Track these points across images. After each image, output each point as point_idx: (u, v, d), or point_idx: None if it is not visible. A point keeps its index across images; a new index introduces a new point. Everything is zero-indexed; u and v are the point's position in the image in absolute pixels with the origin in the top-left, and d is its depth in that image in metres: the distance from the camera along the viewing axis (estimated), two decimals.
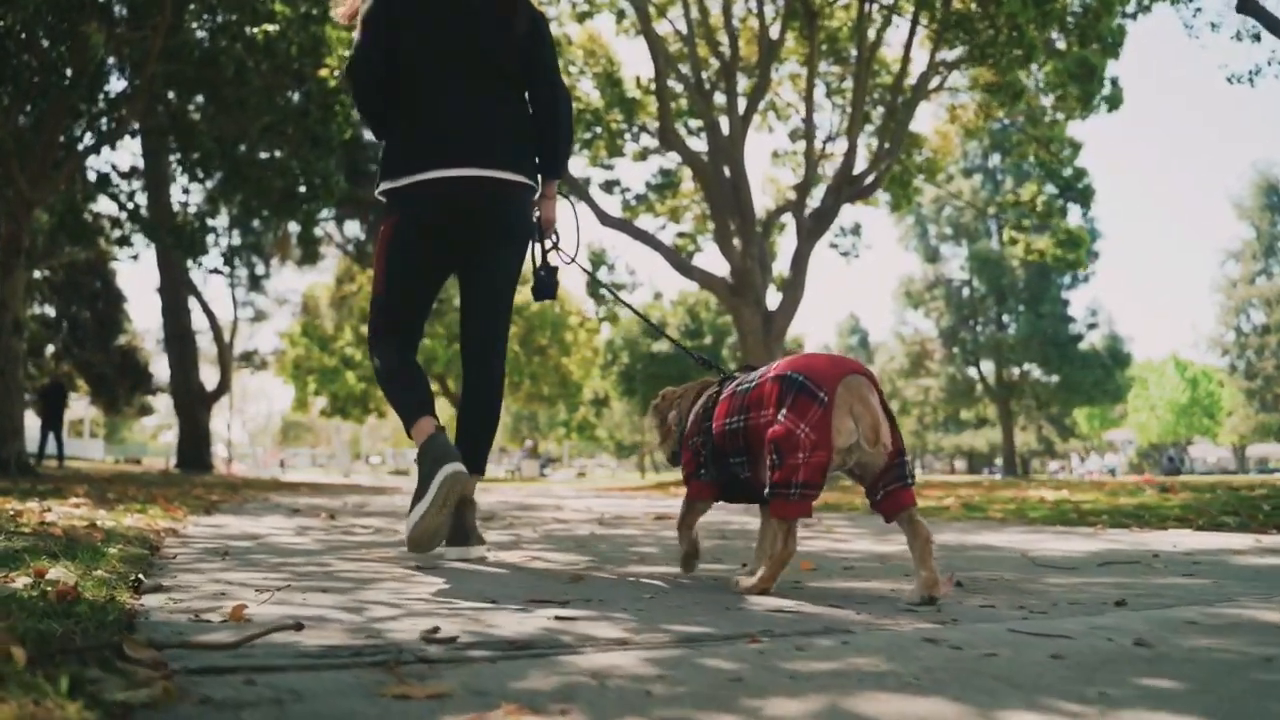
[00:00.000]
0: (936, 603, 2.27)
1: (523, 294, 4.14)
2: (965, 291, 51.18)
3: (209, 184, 18.40)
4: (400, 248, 3.44)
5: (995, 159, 49.81)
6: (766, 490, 2.38)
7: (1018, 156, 23.54)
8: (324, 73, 14.32)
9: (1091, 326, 48.69)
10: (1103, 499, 8.97)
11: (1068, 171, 19.99)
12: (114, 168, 17.35)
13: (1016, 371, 49.22)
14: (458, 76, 3.41)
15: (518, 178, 3.42)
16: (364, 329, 39.03)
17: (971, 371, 51.45)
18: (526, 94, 3.56)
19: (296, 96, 15.80)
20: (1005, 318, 49.92)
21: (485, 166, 3.34)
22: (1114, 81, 17.58)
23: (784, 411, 2.34)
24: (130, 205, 17.15)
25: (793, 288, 20.32)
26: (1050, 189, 20.47)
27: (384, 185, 3.42)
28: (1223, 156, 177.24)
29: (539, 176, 3.58)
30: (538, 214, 3.60)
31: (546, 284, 3.61)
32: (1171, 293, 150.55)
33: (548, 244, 3.61)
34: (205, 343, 31.43)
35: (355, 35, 3.49)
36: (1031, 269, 47.56)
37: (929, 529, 2.36)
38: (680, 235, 26.03)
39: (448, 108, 3.38)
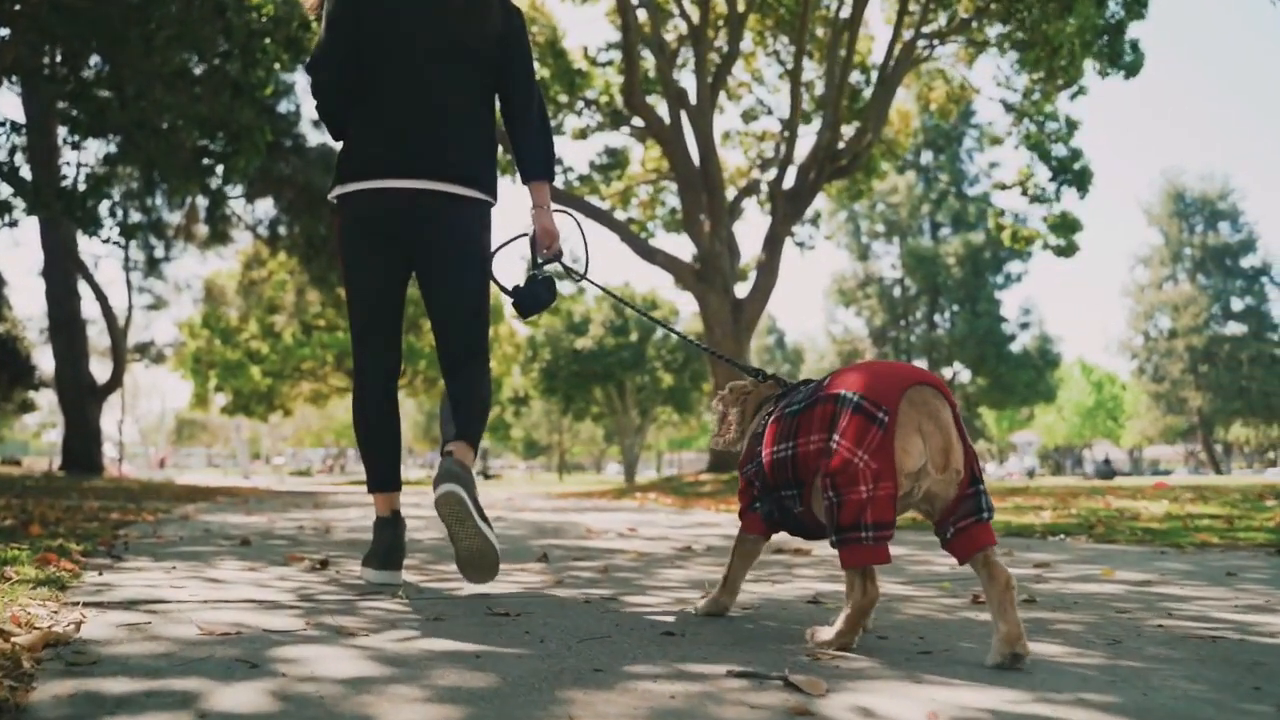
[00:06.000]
0: (1022, 661, 1.88)
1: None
2: (897, 290, 50.31)
3: (105, 144, 15.84)
4: (348, 252, 3.26)
5: (928, 156, 49.09)
6: (832, 535, 2.04)
7: (990, 139, 22.10)
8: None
9: (1024, 326, 48.18)
10: (1226, 509, 7.48)
11: (1062, 151, 18.62)
12: None
13: (949, 372, 48.50)
14: (423, 77, 3.19)
15: (469, 192, 3.19)
16: (271, 319, 36.77)
17: None
18: (498, 96, 3.37)
19: (214, 37, 13.40)
20: (937, 317, 49.15)
21: (435, 179, 3.13)
22: (1134, 45, 16.19)
23: (837, 438, 2.03)
24: (6, 165, 14.45)
25: (766, 273, 18.56)
26: (1042, 170, 19.06)
27: (334, 190, 3.25)
28: (1137, 161, 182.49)
29: (525, 182, 3.34)
30: (533, 228, 3.32)
31: (535, 297, 3.28)
32: (1082, 296, 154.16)
33: (541, 257, 3.30)
34: (95, 332, 28.47)
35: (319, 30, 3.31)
36: (966, 267, 46.88)
37: (1009, 573, 1.97)
38: (632, 222, 24.06)
39: (407, 112, 3.18)
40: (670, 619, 2.51)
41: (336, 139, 3.35)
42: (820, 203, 23.34)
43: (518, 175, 3.41)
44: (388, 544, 3.19)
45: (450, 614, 2.53)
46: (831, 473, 2.01)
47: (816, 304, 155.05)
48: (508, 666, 1.82)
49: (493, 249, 3.33)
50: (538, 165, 3.33)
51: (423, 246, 3.20)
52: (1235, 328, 59.39)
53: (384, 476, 3.28)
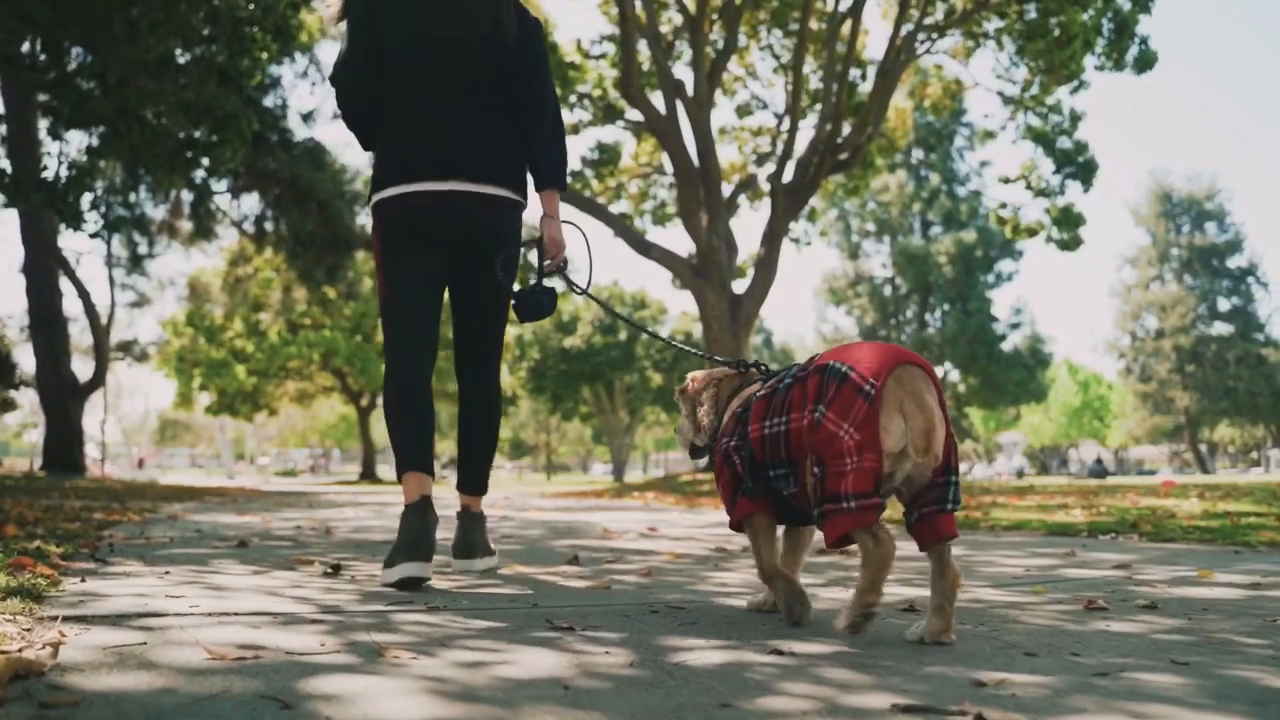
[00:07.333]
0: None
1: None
2: (888, 289, 50.07)
3: (87, 136, 15.40)
4: (388, 255, 3.24)
5: (919, 154, 48.86)
6: (815, 510, 1.98)
7: (984, 134, 21.80)
8: None
9: (1015, 326, 48.02)
10: (1263, 506, 7.17)
11: (1066, 144, 18.33)
12: None
13: (940, 372, 48.38)
14: (444, 84, 3.22)
15: (502, 192, 3.21)
16: (257, 317, 36.19)
17: None
18: (515, 103, 3.31)
19: (200, 22, 12.96)
20: (928, 316, 48.92)
21: (469, 180, 3.15)
22: (1145, 40, 15.93)
23: (823, 409, 1.96)
24: None
25: (764, 268, 18.20)
26: (1045, 163, 18.75)
27: (373, 198, 3.26)
28: (1127, 160, 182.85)
29: (537, 190, 3.35)
30: (539, 234, 3.32)
31: (537, 303, 3.26)
32: (1070, 297, 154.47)
33: (548, 266, 3.30)
34: (77, 330, 27.93)
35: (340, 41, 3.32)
36: (957, 266, 46.67)
37: (959, 572, 2.00)
38: (624, 216, 23.66)
39: (433, 117, 3.20)
40: (764, 629, 2.13)
41: (366, 148, 3.40)
42: (812, 200, 23.01)
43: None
44: (415, 532, 2.93)
45: (505, 627, 2.14)
46: (817, 447, 1.96)
47: (805, 303, 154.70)
48: (609, 702, 1.43)
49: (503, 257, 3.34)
50: (550, 173, 3.32)
51: (462, 251, 3.24)
52: (1222, 328, 59.43)
53: (416, 455, 3.10)
